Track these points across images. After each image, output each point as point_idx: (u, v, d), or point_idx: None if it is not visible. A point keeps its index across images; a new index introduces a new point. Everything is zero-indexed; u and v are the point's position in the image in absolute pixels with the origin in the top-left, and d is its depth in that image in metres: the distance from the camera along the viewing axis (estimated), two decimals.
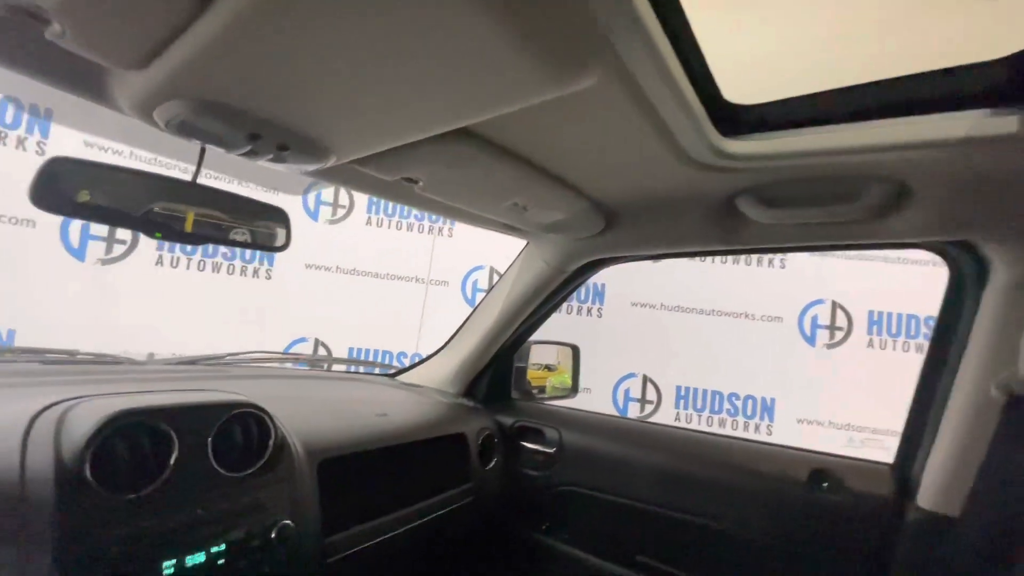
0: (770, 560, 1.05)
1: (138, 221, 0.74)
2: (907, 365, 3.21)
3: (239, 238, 0.84)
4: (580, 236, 1.11)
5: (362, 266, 3.44)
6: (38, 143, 2.58)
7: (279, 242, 0.88)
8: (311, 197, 3.37)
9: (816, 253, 3.36)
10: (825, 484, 1.02)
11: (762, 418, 3.39)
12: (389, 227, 3.50)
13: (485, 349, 1.44)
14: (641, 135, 0.70)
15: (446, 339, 1.59)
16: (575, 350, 1.63)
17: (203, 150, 0.78)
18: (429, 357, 1.60)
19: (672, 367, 3.39)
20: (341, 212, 3.45)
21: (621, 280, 3.37)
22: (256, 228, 0.85)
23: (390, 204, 3.53)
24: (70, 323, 2.54)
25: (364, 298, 3.33)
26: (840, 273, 3.33)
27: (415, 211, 3.55)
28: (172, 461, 0.66)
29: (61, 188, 0.68)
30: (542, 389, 1.60)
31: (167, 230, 0.77)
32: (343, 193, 3.42)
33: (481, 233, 3.83)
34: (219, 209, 0.81)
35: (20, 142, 2.55)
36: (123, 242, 2.80)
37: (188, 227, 0.78)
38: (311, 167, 0.77)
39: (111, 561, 0.59)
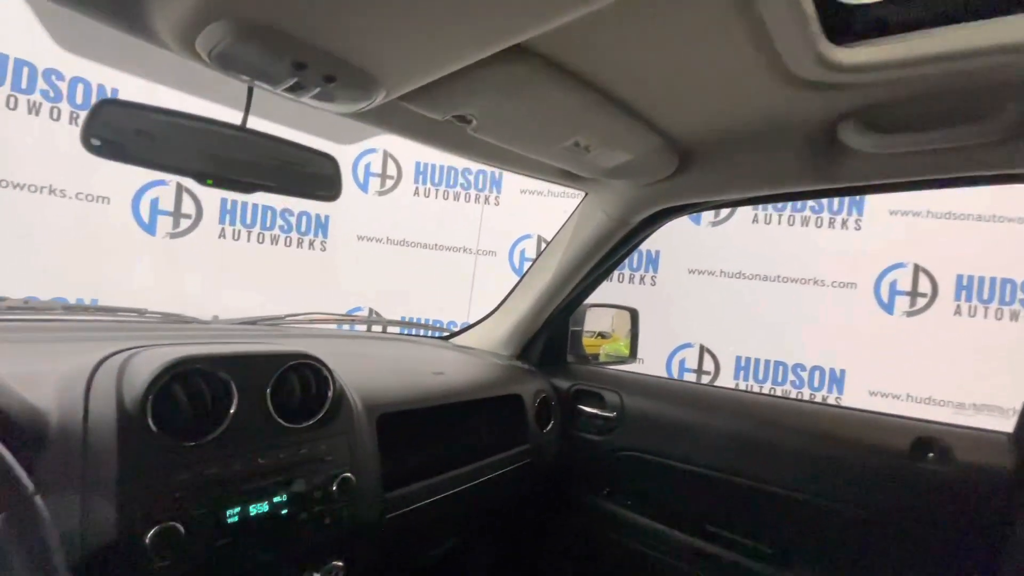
0: (863, 535, 0.95)
1: (188, 167, 0.72)
2: (1000, 334, 2.91)
3: (289, 185, 0.82)
4: (648, 181, 1.00)
5: (411, 237, 3.46)
6: None
7: (329, 190, 0.84)
8: (360, 168, 3.40)
9: (899, 211, 3.06)
10: (931, 455, 0.90)
11: (830, 390, 3.18)
12: (436, 197, 3.49)
13: (539, 311, 1.38)
14: (732, 44, 0.60)
15: (497, 303, 1.55)
16: (634, 314, 1.55)
17: (250, 91, 0.75)
18: (482, 320, 1.57)
19: (731, 336, 3.22)
20: (389, 183, 3.46)
21: (677, 246, 3.21)
22: (306, 175, 0.82)
23: (437, 173, 3.51)
24: (143, 292, 2.70)
25: (414, 268, 3.35)
26: (925, 234, 3.02)
27: (461, 180, 3.50)
28: (232, 410, 0.65)
29: (111, 132, 0.66)
30: (596, 357, 1.54)
31: (217, 177, 0.74)
32: (391, 163, 3.43)
33: (528, 201, 3.73)
34: (269, 154, 0.78)
35: None
36: (188, 216, 2.93)
37: (238, 173, 0.76)
38: (359, 104, 0.72)
39: (174, 507, 0.58)
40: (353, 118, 0.84)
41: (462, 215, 3.44)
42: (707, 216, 3.18)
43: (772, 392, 3.19)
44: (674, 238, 3.20)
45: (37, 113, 2.52)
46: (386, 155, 3.41)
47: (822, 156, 0.83)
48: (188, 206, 2.92)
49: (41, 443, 0.54)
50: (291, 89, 0.67)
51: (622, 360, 1.54)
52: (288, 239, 3.21)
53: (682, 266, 3.21)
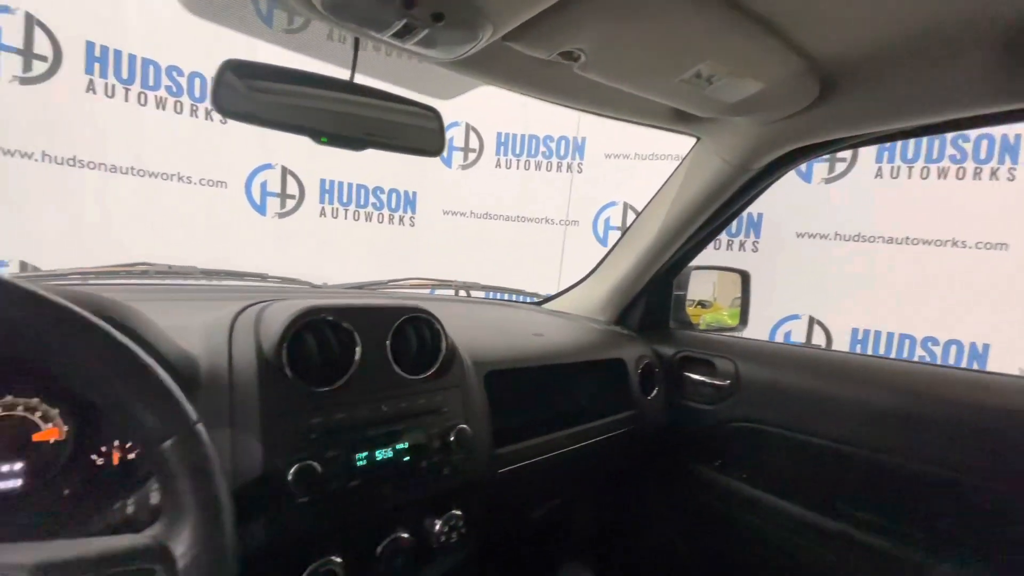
0: None
1: (304, 126, 0.74)
2: None
3: (396, 140, 0.81)
4: (779, 116, 0.87)
5: (494, 210, 3.48)
6: None
7: (433, 145, 0.83)
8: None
9: None
10: None
11: (969, 366, 2.77)
12: (518, 168, 3.46)
13: (640, 274, 1.30)
14: None
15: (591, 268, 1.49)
16: (744, 276, 1.42)
17: (357, 42, 0.74)
18: (575, 285, 1.52)
19: (847, 306, 2.89)
20: (472, 156, 3.48)
21: (783, 207, 2.91)
22: (411, 130, 0.81)
23: (518, 144, 3.46)
24: (256, 266, 2.96)
25: (498, 241, 3.37)
26: None
27: (543, 149, 3.44)
28: (356, 359, 0.67)
29: (236, 93, 0.69)
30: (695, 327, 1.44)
31: (331, 135, 0.75)
32: (473, 137, 3.43)
33: (614, 167, 3.56)
34: (376, 110, 0.78)
35: (207, 114, 2.93)
36: (292, 197, 3.15)
37: (349, 130, 0.77)
38: (464, 47, 0.69)
39: (310, 447, 0.61)
40: (454, 68, 0.82)
41: (545, 185, 3.38)
42: (819, 172, 2.85)
43: None
44: (780, 198, 2.91)
45: (164, 108, 2.80)
46: (468, 128, 3.42)
47: (1015, 67, 0.66)
48: (292, 187, 3.14)
49: (194, 385, 0.58)
50: (398, 34, 0.65)
51: (730, 328, 1.43)
52: (380, 215, 3.36)
53: (789, 229, 2.92)
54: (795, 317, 2.96)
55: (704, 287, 1.52)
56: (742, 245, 3.01)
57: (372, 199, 3.35)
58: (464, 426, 0.75)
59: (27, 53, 2.42)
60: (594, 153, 3.31)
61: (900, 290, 2.77)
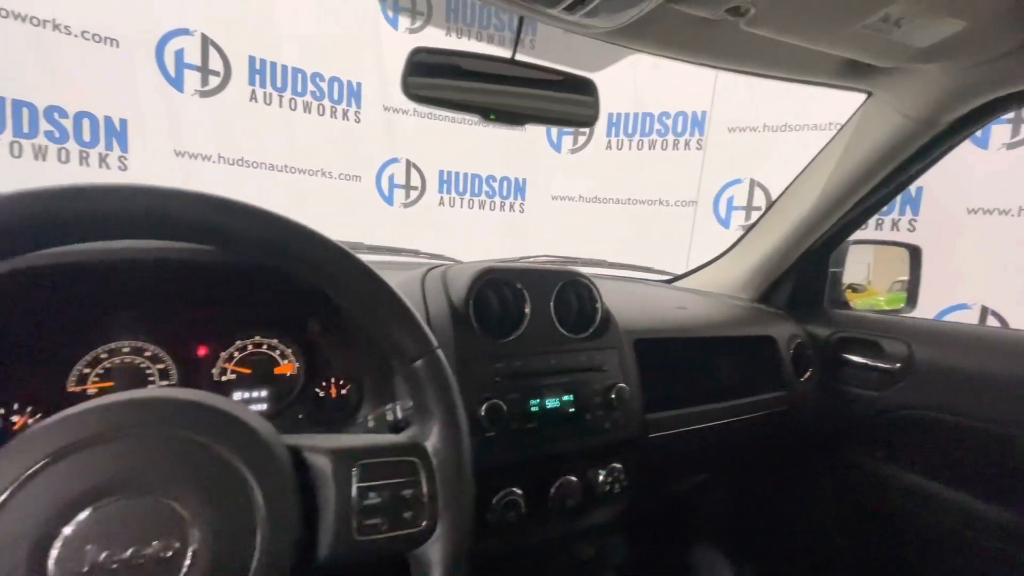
0: None
1: (476, 104, 0.79)
2: None
3: (553, 114, 0.84)
4: (979, 60, 0.75)
5: (605, 193, 3.44)
6: (355, 112, 3.25)
7: (588, 116, 0.85)
8: (554, 129, 3.44)
9: None
10: None
11: None
12: (630, 148, 3.37)
13: (790, 249, 1.21)
14: None
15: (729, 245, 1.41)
16: (914, 252, 1.27)
17: (521, 21, 0.78)
18: (709, 263, 1.46)
19: None
20: (582, 139, 3.46)
21: (949, 179, 2.50)
22: (567, 102, 0.83)
23: (631, 123, 3.37)
24: None
25: (611, 225, 3.34)
26: None
27: (658, 127, 3.31)
28: (527, 315, 0.72)
29: (422, 78, 0.76)
30: None
31: (498, 111, 0.80)
32: None
33: (738, 141, 3.31)
34: (535, 85, 0.82)
35: (344, 114, 3.25)
36: (415, 188, 3.39)
37: (512, 106, 0.81)
38: (630, 13, 0.70)
39: (496, 388, 0.68)
40: (609, 38, 0.82)
41: (660, 165, 3.26)
42: (999, 135, 2.41)
43: None
44: (945, 169, 2.51)
45: (309, 111, 3.15)
46: None
47: None
48: (415, 179, 3.37)
49: None
50: (569, 8, 0.68)
51: (895, 311, 1.28)
52: (493, 203, 3.49)
53: (957, 205, 2.51)
54: (963, 307, 2.55)
55: (857, 268, 1.37)
56: (895, 224, 2.65)
57: (485, 187, 3.49)
58: (623, 385, 0.78)
59: (204, 69, 2.85)
60: (716, 128, 3.12)
61: None
